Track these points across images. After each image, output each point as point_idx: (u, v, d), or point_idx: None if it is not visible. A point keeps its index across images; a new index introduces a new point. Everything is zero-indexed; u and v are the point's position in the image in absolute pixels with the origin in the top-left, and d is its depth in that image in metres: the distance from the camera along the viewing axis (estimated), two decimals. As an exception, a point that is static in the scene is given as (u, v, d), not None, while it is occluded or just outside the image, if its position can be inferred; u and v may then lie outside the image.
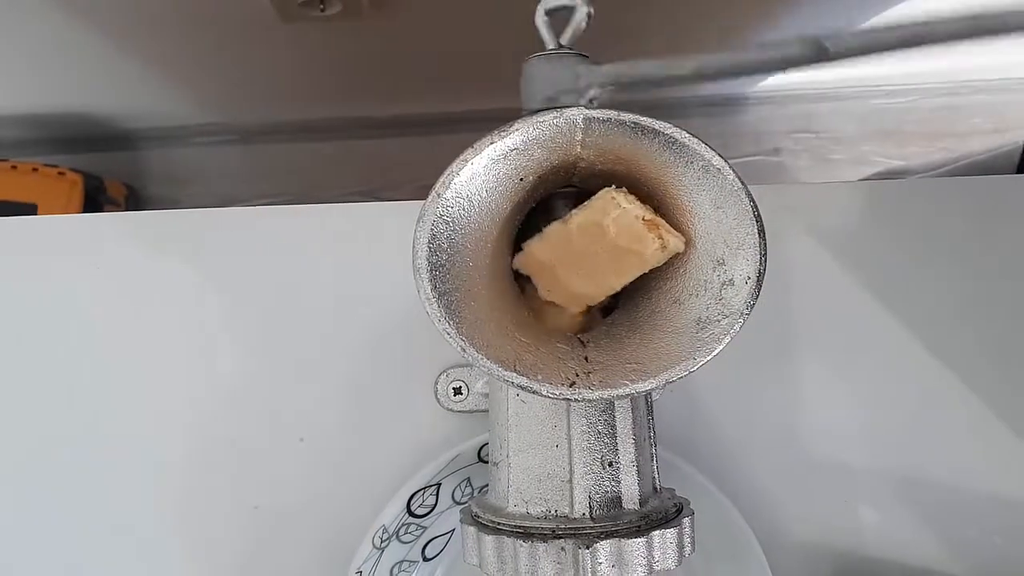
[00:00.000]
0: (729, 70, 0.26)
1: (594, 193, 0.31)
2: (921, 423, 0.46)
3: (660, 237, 0.28)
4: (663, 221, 0.28)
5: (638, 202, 0.29)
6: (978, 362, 0.47)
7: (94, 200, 0.95)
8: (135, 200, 1.05)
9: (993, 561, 0.45)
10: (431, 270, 0.27)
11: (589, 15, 0.29)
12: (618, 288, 0.30)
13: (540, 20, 0.31)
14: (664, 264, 0.29)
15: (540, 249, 0.30)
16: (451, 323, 0.27)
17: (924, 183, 0.50)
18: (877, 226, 0.48)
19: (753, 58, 0.25)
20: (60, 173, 0.94)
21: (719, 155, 0.28)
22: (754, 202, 0.28)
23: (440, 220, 0.27)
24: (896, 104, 1.22)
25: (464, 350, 0.27)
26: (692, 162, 0.28)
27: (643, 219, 0.28)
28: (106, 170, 1.01)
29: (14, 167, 0.94)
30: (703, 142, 0.28)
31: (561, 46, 0.32)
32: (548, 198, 0.32)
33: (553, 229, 0.30)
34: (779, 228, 0.47)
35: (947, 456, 0.46)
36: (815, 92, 1.19)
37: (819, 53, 0.24)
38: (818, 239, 0.48)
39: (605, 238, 0.29)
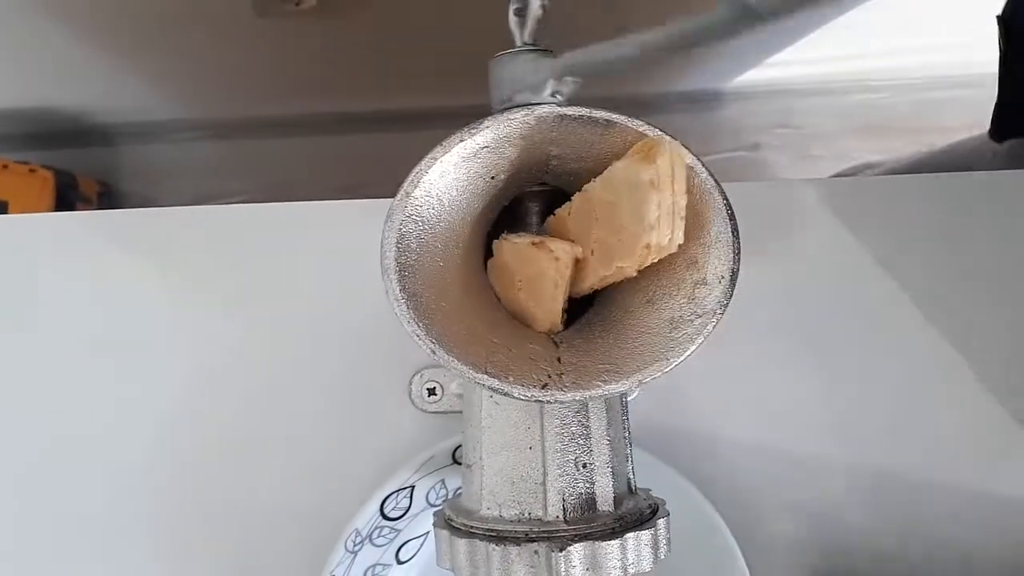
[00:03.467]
0: (671, 44, 0.25)
1: (567, 192, 0.31)
2: (902, 419, 0.46)
3: (551, 251, 0.28)
4: (551, 238, 0.29)
5: (525, 234, 0.30)
6: (959, 357, 0.47)
7: (66, 197, 0.93)
8: (108, 197, 1.04)
9: (973, 557, 0.45)
10: (400, 270, 0.27)
11: (544, 6, 0.29)
12: (555, 316, 0.30)
13: (512, 19, 0.30)
14: (636, 271, 0.29)
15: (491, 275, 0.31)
16: (420, 325, 0.26)
17: (906, 180, 0.50)
18: (854, 223, 0.48)
19: (689, 28, 0.24)
20: (31, 170, 0.92)
21: (692, 153, 0.27)
22: (728, 200, 0.27)
23: (409, 219, 0.27)
24: (876, 99, 1.22)
25: (434, 352, 0.26)
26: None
27: (531, 243, 0.29)
28: (79, 166, 1.00)
29: (-16, 164, 0.92)
30: (675, 139, 0.27)
31: (525, 43, 0.32)
32: (521, 196, 0.32)
33: (490, 264, 0.31)
34: (756, 226, 0.46)
35: (928, 452, 0.46)
36: (795, 87, 1.19)
37: (745, 11, 0.24)
38: (795, 236, 0.48)
39: (514, 275, 0.30)
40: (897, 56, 1.14)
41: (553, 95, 0.28)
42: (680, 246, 0.27)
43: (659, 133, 0.27)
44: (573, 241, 0.28)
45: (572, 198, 0.29)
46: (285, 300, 0.46)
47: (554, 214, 0.30)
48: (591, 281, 0.28)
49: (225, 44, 0.94)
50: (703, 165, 0.27)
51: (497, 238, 0.31)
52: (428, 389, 0.44)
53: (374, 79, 0.98)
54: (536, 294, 0.29)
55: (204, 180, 1.08)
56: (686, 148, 0.27)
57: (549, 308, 0.29)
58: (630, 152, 0.26)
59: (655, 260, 0.26)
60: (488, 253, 0.31)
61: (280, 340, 0.45)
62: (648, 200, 0.25)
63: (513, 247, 0.30)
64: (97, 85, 1.01)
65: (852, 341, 0.47)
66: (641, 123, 0.27)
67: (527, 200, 0.32)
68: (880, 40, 1.11)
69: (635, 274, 0.27)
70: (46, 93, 1.00)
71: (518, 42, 0.30)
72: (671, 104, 1.18)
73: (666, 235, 0.25)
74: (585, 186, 0.28)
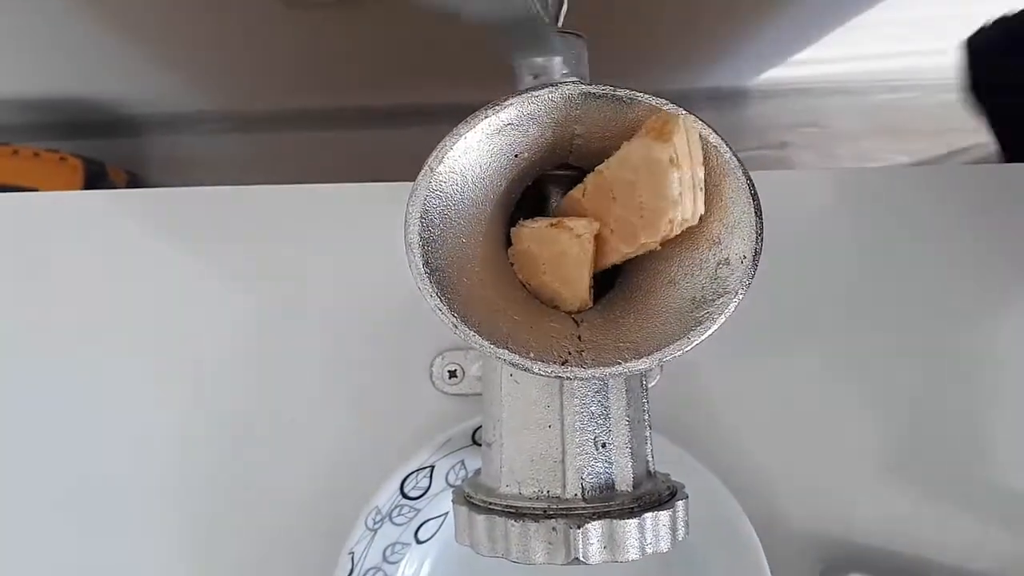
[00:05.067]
0: None
1: (589, 172, 0.31)
2: (920, 409, 0.46)
3: (570, 229, 0.28)
4: (568, 218, 0.29)
5: (541, 219, 0.30)
6: (979, 348, 0.46)
7: (95, 186, 0.95)
8: (136, 186, 1.05)
9: (989, 550, 0.45)
10: (423, 245, 0.27)
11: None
12: (583, 294, 0.30)
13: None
14: (659, 244, 0.29)
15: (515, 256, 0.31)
16: (443, 299, 0.27)
17: (931, 170, 0.50)
18: (880, 212, 0.48)
19: None
20: (61, 158, 0.94)
21: (716, 132, 0.27)
22: (751, 180, 0.27)
23: (433, 195, 0.27)
24: (902, 99, 1.21)
25: (456, 327, 0.26)
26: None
27: (550, 225, 0.29)
28: (108, 156, 1.01)
29: (16, 152, 0.94)
30: (700, 119, 0.27)
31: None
32: (544, 177, 0.32)
33: (511, 252, 0.31)
34: (780, 212, 0.46)
35: (946, 443, 0.46)
36: (822, 87, 1.19)
37: None
38: (819, 224, 0.48)
39: (537, 259, 0.30)
40: (924, 56, 1.13)
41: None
42: (703, 226, 0.28)
43: (683, 112, 0.27)
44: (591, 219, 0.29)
45: (584, 179, 0.29)
46: (308, 282, 0.46)
47: (566, 196, 0.30)
48: (612, 258, 0.28)
49: (253, 37, 0.95)
50: (727, 145, 0.27)
51: (520, 219, 0.31)
52: (449, 371, 0.44)
53: (401, 73, 0.98)
54: (561, 275, 0.30)
55: (231, 171, 1.09)
56: (711, 129, 0.27)
57: (576, 287, 0.30)
58: (643, 130, 0.26)
59: (678, 233, 0.26)
60: (510, 234, 0.31)
61: (303, 322, 0.46)
62: (669, 177, 0.25)
63: (532, 231, 0.30)
64: (127, 77, 1.02)
65: (876, 334, 0.47)
66: (665, 102, 0.27)
67: (550, 181, 0.32)
68: (907, 40, 1.10)
69: (659, 247, 0.27)
70: (76, 83, 1.02)
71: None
72: (697, 101, 1.17)
73: (689, 209, 0.25)
74: (598, 167, 0.28)
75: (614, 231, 0.28)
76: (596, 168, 0.28)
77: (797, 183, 0.49)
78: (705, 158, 0.27)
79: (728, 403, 0.45)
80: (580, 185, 0.29)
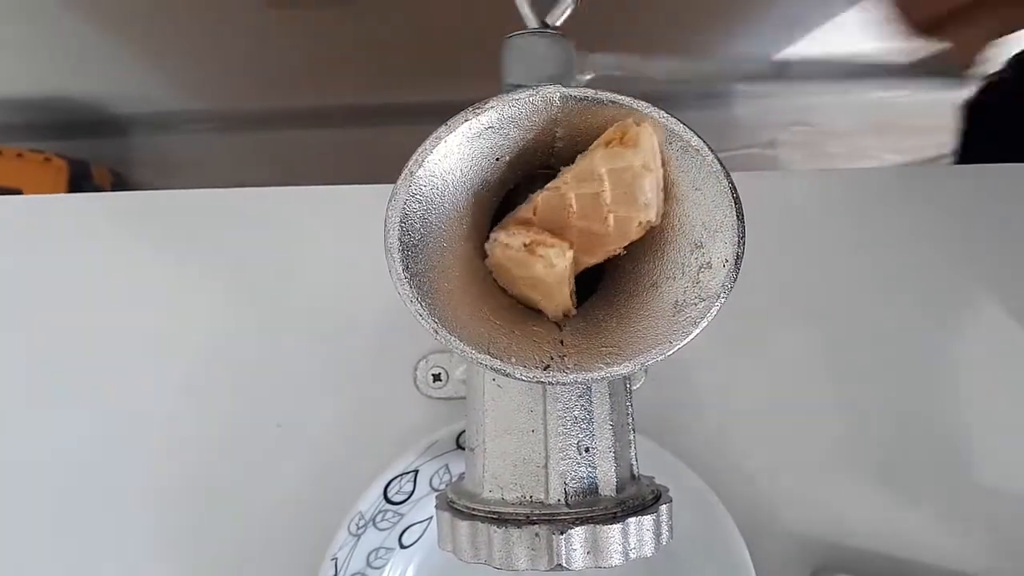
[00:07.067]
0: (699, 78, 0.27)
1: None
2: (909, 411, 0.46)
3: (541, 256, 0.28)
4: (543, 238, 0.28)
5: (520, 232, 0.29)
6: (971, 350, 0.46)
7: (80, 186, 0.94)
8: (121, 186, 1.05)
9: (975, 552, 0.45)
10: (403, 250, 0.26)
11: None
12: (565, 306, 0.29)
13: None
14: (642, 247, 0.29)
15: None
16: (423, 304, 0.26)
17: (921, 170, 0.50)
18: (859, 211, 0.48)
19: (717, 70, 0.26)
20: (46, 159, 0.93)
21: (697, 135, 0.27)
22: (733, 184, 0.27)
23: (412, 199, 0.27)
24: (893, 97, 1.21)
25: (436, 332, 0.26)
26: (671, 142, 0.27)
27: (524, 245, 0.28)
28: (92, 156, 1.00)
29: (-1, 152, 0.93)
30: (681, 122, 0.27)
31: (545, 25, 0.32)
32: (528, 179, 0.32)
33: (488, 262, 0.30)
34: (769, 212, 0.46)
35: (934, 446, 0.46)
36: (811, 84, 1.18)
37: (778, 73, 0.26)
38: (809, 224, 0.48)
39: (515, 276, 0.29)
40: (915, 54, 1.13)
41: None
42: (685, 229, 0.28)
43: (664, 115, 0.27)
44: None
45: (532, 198, 0.29)
46: (293, 285, 0.46)
47: (511, 219, 0.30)
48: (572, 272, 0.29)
49: (238, 35, 0.94)
50: (709, 148, 0.27)
51: (502, 219, 0.31)
52: (433, 375, 0.44)
53: (386, 71, 0.98)
54: (540, 291, 0.29)
55: (216, 170, 1.09)
56: (692, 131, 0.27)
57: (557, 301, 0.29)
58: (601, 142, 0.27)
59: (639, 236, 0.27)
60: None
61: (287, 325, 0.46)
62: (643, 182, 0.26)
63: (506, 254, 0.29)
64: (111, 75, 1.01)
65: (866, 337, 0.47)
66: (646, 105, 0.27)
67: (533, 183, 0.32)
68: (897, 38, 1.10)
69: (623, 252, 0.28)
70: (61, 83, 1.01)
71: (531, 24, 0.31)
72: (688, 100, 1.17)
73: (656, 211, 0.27)
74: (550, 184, 0.28)
75: (575, 245, 0.28)
76: (547, 186, 0.28)
77: (786, 183, 0.49)
78: (676, 163, 0.27)
79: (715, 405, 0.45)
80: (528, 204, 0.29)
